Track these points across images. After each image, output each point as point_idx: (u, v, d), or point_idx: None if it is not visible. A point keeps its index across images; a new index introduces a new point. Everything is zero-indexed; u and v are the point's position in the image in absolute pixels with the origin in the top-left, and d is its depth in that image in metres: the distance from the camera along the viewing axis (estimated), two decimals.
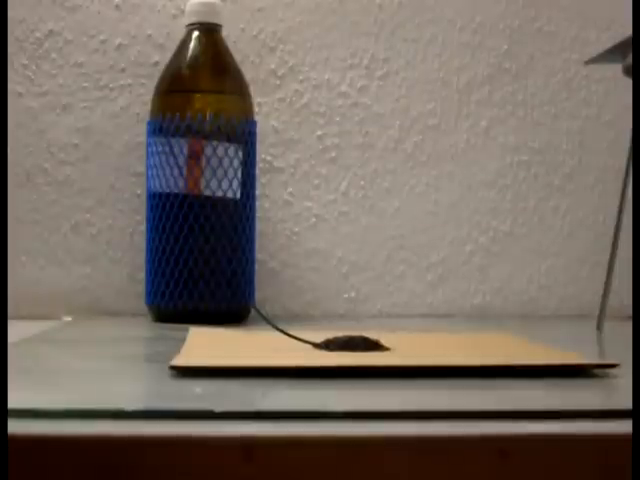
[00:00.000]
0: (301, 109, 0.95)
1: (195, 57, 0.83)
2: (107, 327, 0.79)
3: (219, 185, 0.80)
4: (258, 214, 0.88)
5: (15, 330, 0.71)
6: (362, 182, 0.96)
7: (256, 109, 0.89)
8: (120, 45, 0.92)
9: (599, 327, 0.78)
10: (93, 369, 0.51)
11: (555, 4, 0.99)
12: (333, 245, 0.95)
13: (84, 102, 0.91)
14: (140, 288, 0.88)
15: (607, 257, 0.79)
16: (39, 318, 0.86)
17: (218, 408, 0.39)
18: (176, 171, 0.80)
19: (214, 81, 0.84)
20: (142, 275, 0.87)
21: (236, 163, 0.81)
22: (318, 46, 0.95)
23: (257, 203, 0.87)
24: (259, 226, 0.89)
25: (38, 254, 0.90)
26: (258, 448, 0.36)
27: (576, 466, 0.37)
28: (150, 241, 0.82)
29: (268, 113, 0.94)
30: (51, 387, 0.44)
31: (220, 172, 0.80)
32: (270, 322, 0.58)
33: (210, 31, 0.84)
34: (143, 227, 0.88)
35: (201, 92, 0.83)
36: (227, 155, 0.80)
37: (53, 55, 0.91)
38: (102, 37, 0.92)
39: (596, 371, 0.50)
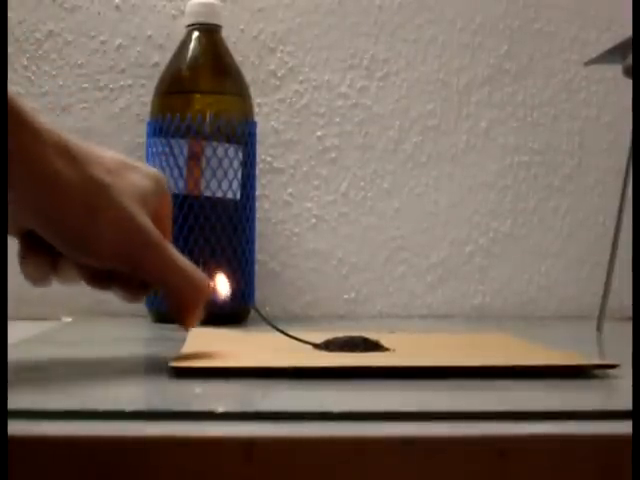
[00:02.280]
0: (301, 110, 0.95)
1: (195, 58, 0.83)
2: (107, 328, 0.79)
3: (219, 186, 0.80)
4: (258, 215, 0.88)
5: (15, 331, 0.71)
6: (362, 183, 0.96)
7: (256, 110, 0.89)
8: (120, 46, 0.92)
9: (599, 328, 0.78)
10: (93, 370, 0.51)
11: (555, 5, 0.99)
12: (333, 246, 0.95)
13: (84, 103, 0.91)
14: None
15: (607, 258, 0.79)
16: (39, 319, 0.86)
17: (218, 408, 0.39)
18: (176, 172, 0.80)
19: (214, 82, 0.84)
20: None
21: (236, 164, 0.81)
22: (318, 47, 0.95)
23: (257, 204, 0.87)
24: (259, 227, 0.89)
25: None
26: (258, 448, 0.36)
27: (576, 466, 0.37)
28: None
29: (268, 114, 0.94)
30: (51, 388, 0.44)
31: (220, 173, 0.80)
32: (270, 323, 0.58)
33: (210, 32, 0.84)
34: None
35: (201, 93, 0.83)
36: (227, 156, 0.80)
37: (53, 56, 0.91)
38: (102, 38, 0.92)
39: (596, 372, 0.50)
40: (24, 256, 0.50)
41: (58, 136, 0.46)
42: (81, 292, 0.90)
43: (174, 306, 0.51)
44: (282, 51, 0.95)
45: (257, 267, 0.88)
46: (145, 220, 0.49)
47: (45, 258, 0.49)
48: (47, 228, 0.47)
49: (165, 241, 0.50)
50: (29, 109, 0.45)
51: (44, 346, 0.63)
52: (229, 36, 0.89)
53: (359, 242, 0.96)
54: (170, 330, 0.74)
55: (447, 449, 0.36)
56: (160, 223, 0.52)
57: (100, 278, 0.51)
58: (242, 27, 0.94)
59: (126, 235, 0.48)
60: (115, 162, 0.49)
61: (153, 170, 0.53)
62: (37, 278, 0.50)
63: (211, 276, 0.54)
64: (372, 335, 0.58)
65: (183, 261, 0.51)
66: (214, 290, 0.54)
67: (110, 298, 0.86)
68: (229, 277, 0.56)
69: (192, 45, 0.83)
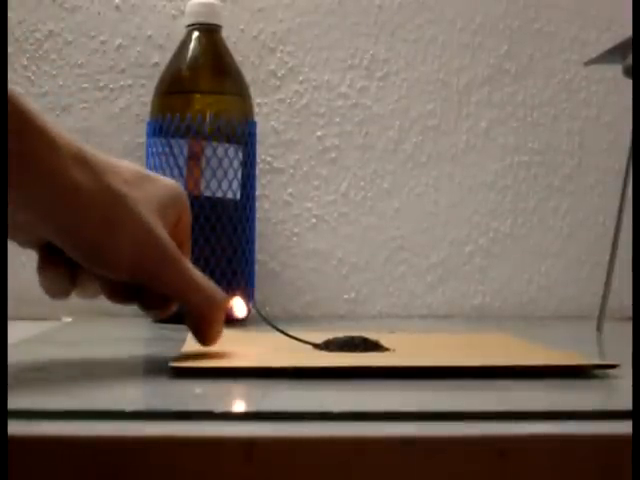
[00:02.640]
0: (301, 110, 0.95)
1: (195, 58, 0.83)
2: (107, 328, 0.79)
3: (219, 186, 0.80)
4: (258, 215, 0.88)
5: (15, 331, 0.71)
6: (362, 183, 0.96)
7: (256, 110, 0.89)
8: (120, 46, 0.92)
9: (599, 328, 0.78)
10: (93, 370, 0.51)
11: (555, 5, 0.99)
12: (333, 246, 0.95)
13: (84, 103, 0.91)
14: None
15: (607, 258, 0.79)
16: (39, 319, 0.86)
17: (218, 408, 0.39)
18: (176, 172, 0.80)
19: (214, 82, 0.84)
20: None
21: (236, 164, 0.81)
22: (318, 47, 0.95)
23: (257, 204, 0.87)
24: (259, 227, 0.89)
25: None
26: (258, 448, 0.36)
27: (576, 466, 0.37)
28: None
29: (268, 114, 0.94)
30: (51, 388, 0.44)
31: (220, 173, 0.80)
32: (270, 323, 0.58)
33: (210, 32, 0.84)
34: None
35: (201, 93, 0.83)
36: (227, 156, 0.80)
37: (53, 56, 0.91)
38: (102, 38, 0.92)
39: (596, 372, 0.50)
40: (43, 269, 0.49)
41: (76, 147, 0.46)
42: None
43: (192, 323, 0.51)
44: (282, 51, 0.95)
45: (257, 267, 0.88)
46: (163, 233, 0.49)
47: (64, 271, 0.49)
48: (65, 239, 0.46)
49: (182, 256, 0.50)
50: (49, 121, 0.44)
51: (44, 346, 0.63)
52: (229, 36, 0.89)
53: (359, 242, 0.96)
54: (170, 330, 0.74)
55: (447, 449, 0.36)
56: (178, 236, 0.51)
57: (120, 292, 0.50)
58: (242, 27, 0.94)
59: (143, 248, 0.48)
60: (132, 173, 0.49)
61: (171, 182, 0.52)
62: (56, 291, 0.50)
63: (228, 293, 0.54)
64: (372, 335, 0.58)
65: (200, 277, 0.50)
66: (231, 309, 0.55)
67: None
68: (244, 297, 0.56)
69: (192, 45, 0.83)
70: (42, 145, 0.44)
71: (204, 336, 0.51)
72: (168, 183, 0.52)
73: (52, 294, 0.50)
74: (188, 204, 0.53)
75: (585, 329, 0.81)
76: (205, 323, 0.51)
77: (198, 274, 0.50)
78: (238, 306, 0.56)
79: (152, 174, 0.51)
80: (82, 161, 0.45)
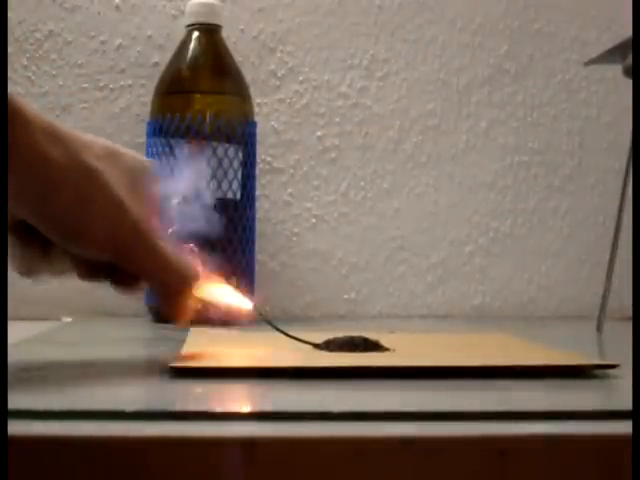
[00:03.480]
0: (301, 110, 0.95)
1: (195, 58, 0.83)
2: (107, 328, 0.79)
3: (219, 186, 0.80)
4: (258, 215, 0.88)
5: (15, 331, 0.71)
6: (362, 183, 0.96)
7: (256, 110, 0.89)
8: (120, 46, 0.92)
9: (599, 328, 0.78)
10: (93, 370, 0.51)
11: (555, 5, 0.99)
12: (333, 246, 0.95)
13: (84, 103, 0.91)
14: None
15: (607, 258, 0.79)
16: (39, 319, 0.86)
17: (218, 408, 0.39)
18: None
19: (214, 82, 0.84)
20: None
21: (236, 164, 0.81)
22: (318, 47, 0.95)
23: (257, 204, 0.87)
24: (259, 227, 0.89)
25: None
26: (258, 448, 0.36)
27: (576, 466, 0.37)
28: None
29: (268, 114, 0.94)
30: (51, 388, 0.44)
31: (220, 173, 0.80)
32: (270, 323, 0.58)
33: (210, 32, 0.84)
34: None
35: (201, 93, 0.83)
36: (227, 156, 0.80)
37: (53, 56, 0.91)
38: (102, 38, 0.92)
39: (596, 372, 0.50)
40: (15, 249, 0.49)
41: (48, 123, 0.45)
42: (81, 292, 0.90)
43: (162, 301, 0.51)
44: (282, 51, 0.95)
45: (257, 267, 0.88)
46: (134, 208, 0.48)
47: (36, 249, 0.49)
48: (37, 215, 0.46)
49: (153, 232, 0.49)
50: (18, 97, 0.44)
51: (44, 346, 0.63)
52: (229, 36, 0.89)
53: (359, 242, 0.96)
54: (170, 330, 0.74)
55: (447, 449, 0.36)
56: (149, 208, 0.51)
57: (92, 270, 0.50)
58: (242, 27, 0.94)
59: (114, 224, 0.47)
60: (102, 148, 0.49)
61: (139, 155, 0.52)
62: (28, 269, 0.50)
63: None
64: (372, 335, 0.58)
65: (170, 253, 0.50)
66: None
67: (110, 298, 0.86)
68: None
69: (192, 45, 0.83)
70: (15, 122, 0.43)
71: (174, 314, 0.51)
72: (137, 156, 0.52)
73: (25, 273, 0.50)
74: (157, 176, 0.53)
75: (585, 329, 0.81)
76: (174, 302, 0.51)
77: (168, 249, 0.50)
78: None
79: (121, 148, 0.51)
80: (54, 136, 0.45)
